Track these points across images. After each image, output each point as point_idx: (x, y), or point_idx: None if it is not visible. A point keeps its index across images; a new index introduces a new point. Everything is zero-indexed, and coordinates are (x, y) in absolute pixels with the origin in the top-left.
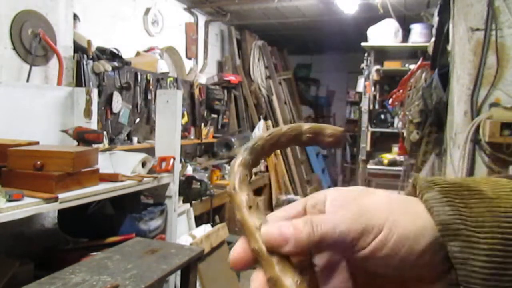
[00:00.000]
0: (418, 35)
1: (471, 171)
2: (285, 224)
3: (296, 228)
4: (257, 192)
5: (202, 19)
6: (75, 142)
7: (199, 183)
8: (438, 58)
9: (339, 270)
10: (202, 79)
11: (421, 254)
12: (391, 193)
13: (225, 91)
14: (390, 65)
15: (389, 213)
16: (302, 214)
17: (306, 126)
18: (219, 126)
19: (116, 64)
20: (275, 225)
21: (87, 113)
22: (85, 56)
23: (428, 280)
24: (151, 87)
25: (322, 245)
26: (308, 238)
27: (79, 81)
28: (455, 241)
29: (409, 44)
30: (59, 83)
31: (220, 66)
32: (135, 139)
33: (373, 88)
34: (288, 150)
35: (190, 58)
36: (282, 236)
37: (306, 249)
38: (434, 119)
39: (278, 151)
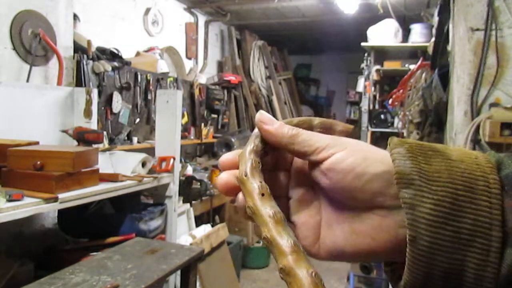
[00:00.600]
0: (418, 35)
1: None
2: (278, 121)
3: (283, 124)
4: None
5: (202, 19)
6: (75, 142)
7: (199, 183)
8: (438, 58)
9: (310, 205)
10: (202, 79)
11: (373, 178)
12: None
13: (225, 91)
14: (390, 65)
15: (348, 145)
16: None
17: (316, 120)
18: (219, 126)
19: (116, 64)
20: (271, 119)
21: (87, 113)
22: (85, 56)
23: (380, 210)
24: (151, 87)
25: (294, 145)
26: (287, 132)
27: (79, 81)
28: (407, 189)
29: (409, 44)
30: (59, 83)
31: (220, 66)
32: (135, 139)
33: (373, 88)
34: None
35: (190, 58)
36: (272, 121)
37: (281, 139)
38: (434, 119)
39: None
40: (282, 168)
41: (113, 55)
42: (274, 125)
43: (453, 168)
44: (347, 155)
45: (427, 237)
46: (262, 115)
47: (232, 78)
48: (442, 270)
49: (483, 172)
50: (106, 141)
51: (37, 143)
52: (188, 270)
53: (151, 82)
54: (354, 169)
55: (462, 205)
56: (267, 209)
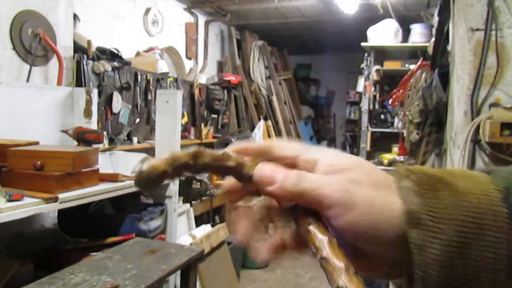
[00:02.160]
0: (418, 35)
1: None
2: (279, 170)
3: (287, 176)
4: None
5: (202, 19)
6: (75, 142)
7: (199, 183)
8: (438, 58)
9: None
10: (202, 79)
11: (386, 242)
12: (382, 171)
13: (225, 91)
14: (390, 65)
15: (368, 196)
16: (292, 163)
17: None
18: (219, 126)
19: (116, 64)
20: (271, 167)
21: (87, 113)
22: (85, 56)
23: (390, 267)
24: (151, 87)
25: (302, 199)
26: (292, 188)
27: (79, 81)
28: (416, 229)
29: (409, 44)
30: (59, 83)
31: (220, 66)
32: (135, 139)
33: (373, 88)
34: None
35: (190, 58)
36: (273, 178)
37: (288, 196)
38: (434, 119)
39: None
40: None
41: (113, 55)
42: (275, 185)
43: (461, 203)
44: (358, 217)
45: (436, 277)
46: (260, 174)
47: (232, 78)
48: None
49: (491, 204)
50: (106, 141)
51: (37, 143)
52: (188, 270)
53: (151, 82)
54: (366, 233)
55: (470, 243)
56: (322, 235)
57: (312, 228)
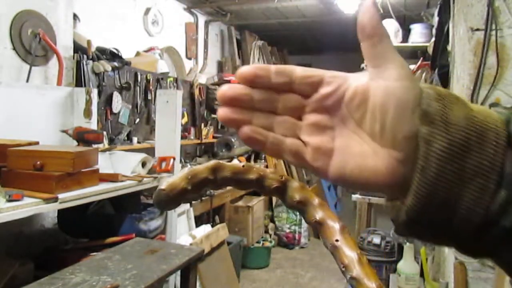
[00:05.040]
0: (418, 35)
1: None
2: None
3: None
4: (257, 192)
5: (202, 19)
6: (75, 142)
7: None
8: (438, 58)
9: (324, 132)
10: (202, 79)
11: (399, 123)
12: None
13: None
14: None
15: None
16: (317, 81)
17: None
18: (219, 126)
19: (116, 64)
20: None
21: (87, 113)
22: (85, 56)
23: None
24: (151, 87)
25: (312, 78)
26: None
27: (79, 81)
28: (427, 126)
29: (409, 44)
30: (59, 83)
31: (220, 66)
32: (135, 139)
33: None
34: None
35: (190, 58)
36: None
37: (303, 75)
38: None
39: None
40: (299, 91)
41: (113, 55)
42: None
43: (471, 117)
44: (377, 85)
45: (435, 169)
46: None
47: (232, 78)
48: (441, 199)
49: (495, 126)
50: (106, 141)
51: (37, 143)
52: (188, 270)
53: (151, 82)
54: (397, 98)
55: (471, 149)
56: (351, 251)
57: (339, 244)
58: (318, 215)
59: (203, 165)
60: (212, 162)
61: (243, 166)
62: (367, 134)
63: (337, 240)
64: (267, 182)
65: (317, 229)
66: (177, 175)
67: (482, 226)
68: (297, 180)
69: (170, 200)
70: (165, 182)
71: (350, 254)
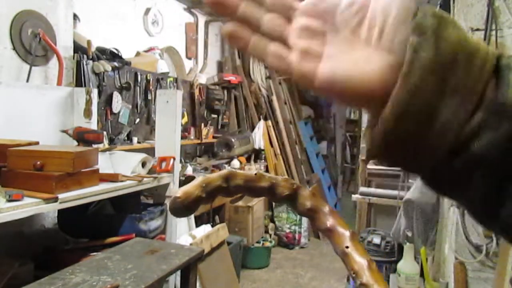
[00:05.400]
0: None
1: None
2: None
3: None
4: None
5: (202, 19)
6: (75, 142)
7: None
8: None
9: (313, 36)
10: (202, 79)
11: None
12: None
13: (225, 91)
14: None
15: None
16: None
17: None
18: (219, 126)
19: (116, 64)
20: None
21: (87, 113)
22: (85, 56)
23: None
24: (151, 87)
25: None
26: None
27: (79, 81)
28: (418, 37)
29: None
30: (59, 83)
31: (220, 66)
32: (135, 139)
33: None
34: (288, 150)
35: (190, 58)
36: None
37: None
38: None
39: (279, 151)
40: None
41: (113, 55)
42: None
43: (464, 39)
44: None
45: (417, 76)
46: None
47: (232, 78)
48: (418, 108)
49: (486, 53)
50: (106, 141)
51: (37, 143)
52: (188, 270)
53: (151, 82)
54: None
55: (457, 66)
56: (361, 257)
57: (349, 250)
58: (329, 222)
59: (217, 174)
60: (225, 170)
61: (255, 174)
62: (362, 40)
63: (347, 247)
64: (278, 190)
65: (328, 236)
66: (192, 184)
67: (453, 148)
68: (307, 188)
69: (185, 208)
70: (180, 190)
71: (360, 260)
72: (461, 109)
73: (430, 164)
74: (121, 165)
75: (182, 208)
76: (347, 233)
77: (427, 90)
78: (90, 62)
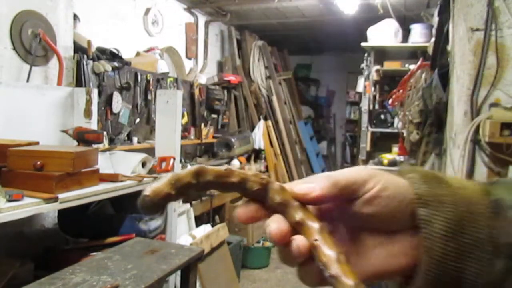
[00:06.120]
0: (418, 35)
1: (471, 171)
2: (310, 180)
3: (319, 181)
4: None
5: (202, 19)
6: (75, 142)
7: None
8: (438, 58)
9: (338, 231)
10: (202, 79)
11: (401, 210)
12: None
13: (225, 91)
14: (390, 65)
15: (382, 176)
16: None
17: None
18: (219, 126)
19: (116, 64)
20: (307, 186)
21: (87, 113)
22: (85, 56)
23: (411, 230)
24: (151, 87)
25: (337, 189)
26: (327, 185)
27: (79, 81)
28: (424, 208)
29: (409, 44)
30: (59, 83)
31: (220, 66)
32: (135, 139)
33: (373, 88)
34: (288, 150)
35: (190, 58)
36: (311, 188)
37: (326, 193)
38: (434, 119)
39: (279, 151)
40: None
41: (113, 55)
42: (315, 191)
43: (456, 194)
44: (387, 183)
45: (439, 248)
46: (299, 190)
47: (232, 78)
48: (448, 276)
49: (478, 198)
50: (106, 141)
51: (37, 143)
52: (188, 270)
53: (151, 82)
54: (396, 195)
55: (466, 224)
56: (330, 250)
57: (318, 243)
58: (298, 216)
59: (186, 170)
60: (195, 166)
61: (225, 169)
62: (376, 229)
63: (316, 240)
64: (248, 185)
65: (298, 229)
66: (161, 181)
67: None
68: (277, 182)
69: (155, 205)
70: (149, 187)
71: (328, 252)
72: (483, 262)
73: None
74: (121, 165)
75: (152, 205)
76: (316, 226)
77: (450, 258)
78: (90, 62)
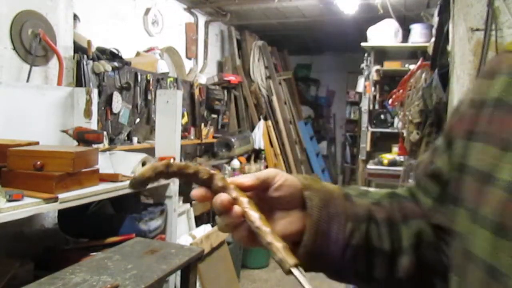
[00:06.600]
0: (418, 35)
1: None
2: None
3: (249, 176)
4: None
5: (202, 19)
6: (75, 142)
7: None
8: (438, 58)
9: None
10: (202, 79)
11: (295, 194)
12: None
13: (225, 91)
14: (390, 65)
15: (284, 173)
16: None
17: (173, 166)
18: (219, 126)
19: (116, 64)
20: (243, 177)
21: (87, 113)
22: (85, 56)
23: (293, 207)
24: (151, 87)
25: (259, 180)
26: (253, 178)
27: (79, 81)
28: (307, 191)
29: (409, 44)
30: (59, 83)
31: (220, 66)
32: (135, 139)
33: (373, 88)
34: (288, 150)
35: (190, 58)
36: (245, 179)
37: (252, 183)
38: (434, 119)
39: (279, 151)
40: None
41: (113, 55)
42: (248, 181)
43: (325, 186)
44: (287, 177)
45: (316, 215)
46: (238, 180)
47: (232, 78)
48: (321, 231)
49: (337, 190)
50: (106, 141)
51: (37, 143)
52: (188, 270)
53: (151, 82)
54: (292, 185)
55: (331, 202)
56: (255, 212)
57: (247, 210)
58: (234, 194)
59: (160, 162)
60: (166, 161)
61: (184, 164)
62: (281, 206)
63: (246, 207)
64: (200, 174)
65: (234, 203)
66: (145, 167)
67: (343, 246)
68: (220, 174)
69: (141, 183)
70: (138, 172)
71: (253, 214)
72: (340, 224)
73: (335, 265)
74: (121, 165)
75: (139, 183)
76: (246, 200)
77: (323, 220)
78: (90, 62)
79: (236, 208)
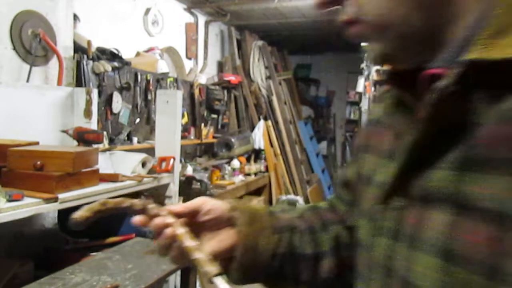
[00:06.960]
0: None
1: None
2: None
3: (180, 205)
4: (257, 192)
5: (202, 19)
6: (75, 142)
7: (199, 183)
8: None
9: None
10: (202, 79)
11: (223, 215)
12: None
13: (225, 91)
14: None
15: (211, 200)
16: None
17: (109, 202)
18: (219, 126)
19: (116, 64)
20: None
21: (87, 113)
22: (85, 56)
23: (221, 227)
24: (151, 87)
25: (188, 209)
26: (183, 207)
27: (79, 81)
28: (235, 211)
29: None
30: (59, 83)
31: (220, 66)
32: (135, 139)
33: (373, 88)
34: (288, 150)
35: (190, 58)
36: (176, 208)
37: (182, 210)
38: None
39: (279, 151)
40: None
41: (113, 55)
42: (178, 209)
43: (250, 206)
44: (214, 203)
45: (245, 231)
46: (172, 208)
47: (232, 78)
48: (250, 246)
49: (262, 208)
50: (106, 141)
51: (37, 143)
52: (188, 270)
53: (151, 82)
54: (219, 208)
55: (257, 218)
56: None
57: (177, 230)
58: (169, 220)
59: (97, 202)
60: (102, 200)
61: (119, 199)
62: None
63: (179, 231)
64: (135, 207)
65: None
66: (82, 209)
67: (271, 256)
68: (153, 204)
69: (80, 224)
70: (76, 214)
71: (188, 241)
72: (267, 238)
73: (266, 275)
74: (121, 165)
75: (79, 224)
76: (176, 222)
77: (251, 237)
78: (90, 62)
79: (168, 230)
